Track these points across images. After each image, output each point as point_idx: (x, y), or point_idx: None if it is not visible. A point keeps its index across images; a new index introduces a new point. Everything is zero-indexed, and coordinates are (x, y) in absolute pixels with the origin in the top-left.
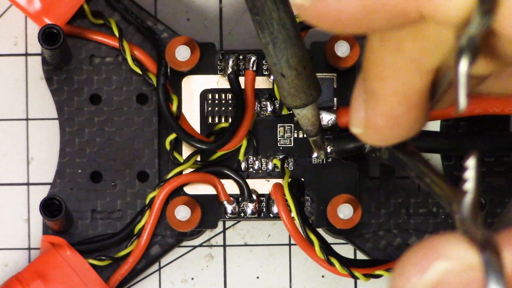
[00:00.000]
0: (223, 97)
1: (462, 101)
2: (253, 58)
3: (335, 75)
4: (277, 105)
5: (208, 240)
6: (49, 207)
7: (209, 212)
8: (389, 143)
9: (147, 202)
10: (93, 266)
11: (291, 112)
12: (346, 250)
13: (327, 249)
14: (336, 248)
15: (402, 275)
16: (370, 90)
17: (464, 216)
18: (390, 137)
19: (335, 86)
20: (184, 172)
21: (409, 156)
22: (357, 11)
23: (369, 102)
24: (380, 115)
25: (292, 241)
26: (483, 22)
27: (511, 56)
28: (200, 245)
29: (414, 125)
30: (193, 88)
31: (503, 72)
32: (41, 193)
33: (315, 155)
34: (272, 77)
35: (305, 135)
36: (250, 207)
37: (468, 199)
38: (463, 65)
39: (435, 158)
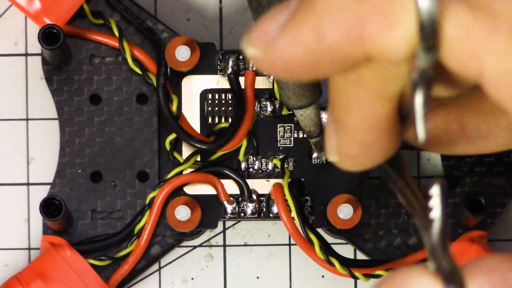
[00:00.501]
0: (223, 97)
1: (421, 133)
2: None
3: None
4: (277, 105)
5: (208, 240)
6: (49, 207)
7: (209, 212)
8: (365, 168)
9: (147, 202)
10: (93, 266)
11: (291, 112)
12: (346, 250)
13: (327, 249)
14: (336, 248)
15: None
16: (339, 121)
17: (433, 245)
18: (365, 163)
19: None
20: (184, 172)
21: (394, 169)
22: (306, 60)
23: (339, 132)
24: (351, 144)
25: (292, 241)
26: (429, 57)
27: (465, 83)
28: (200, 245)
29: (387, 149)
30: (193, 88)
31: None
32: (41, 193)
33: (315, 155)
34: (272, 77)
35: (305, 136)
36: (250, 207)
37: (435, 227)
38: (418, 99)
39: (435, 158)
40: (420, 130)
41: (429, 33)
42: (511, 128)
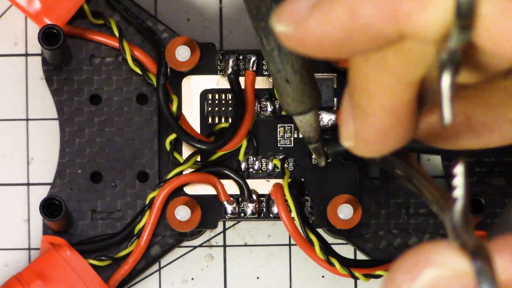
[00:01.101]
0: (223, 97)
1: (447, 115)
2: (253, 58)
3: (335, 75)
4: (277, 105)
5: (208, 240)
6: (49, 207)
7: (209, 212)
8: (380, 154)
9: (147, 202)
10: (93, 266)
11: None
12: (346, 250)
13: (327, 249)
14: (336, 248)
15: (393, 282)
16: (358, 106)
17: (455, 224)
18: (381, 149)
19: (335, 86)
20: (184, 172)
21: (401, 159)
22: (338, 37)
23: (357, 117)
24: (370, 129)
25: (292, 241)
26: (462, 37)
27: (494, 67)
28: (200, 245)
29: (404, 136)
30: (193, 88)
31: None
32: (41, 193)
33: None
34: (270, 79)
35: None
36: (250, 207)
37: (458, 206)
38: (446, 79)
39: (435, 158)
40: (447, 112)
41: (466, 12)
42: None
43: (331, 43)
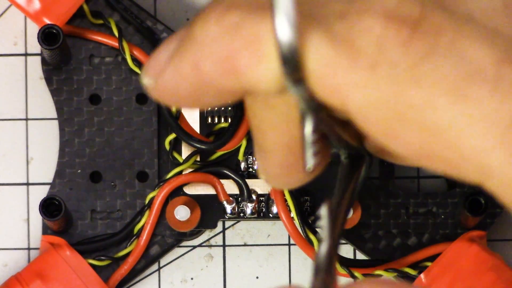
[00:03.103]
0: None
1: (309, 162)
2: None
3: None
4: None
5: (208, 240)
6: (48, 207)
7: (209, 212)
8: (295, 186)
9: (146, 202)
10: (93, 266)
11: None
12: (346, 250)
13: None
14: None
15: None
16: (257, 143)
17: (318, 264)
18: (292, 182)
19: None
20: (183, 172)
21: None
22: (187, 91)
23: (258, 153)
24: (271, 165)
25: (292, 241)
26: (301, 89)
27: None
28: (200, 245)
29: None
30: None
31: None
32: (41, 193)
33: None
34: None
35: None
36: (249, 207)
37: (323, 248)
38: (307, 127)
39: None
40: (308, 159)
41: (293, 67)
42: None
43: (184, 95)
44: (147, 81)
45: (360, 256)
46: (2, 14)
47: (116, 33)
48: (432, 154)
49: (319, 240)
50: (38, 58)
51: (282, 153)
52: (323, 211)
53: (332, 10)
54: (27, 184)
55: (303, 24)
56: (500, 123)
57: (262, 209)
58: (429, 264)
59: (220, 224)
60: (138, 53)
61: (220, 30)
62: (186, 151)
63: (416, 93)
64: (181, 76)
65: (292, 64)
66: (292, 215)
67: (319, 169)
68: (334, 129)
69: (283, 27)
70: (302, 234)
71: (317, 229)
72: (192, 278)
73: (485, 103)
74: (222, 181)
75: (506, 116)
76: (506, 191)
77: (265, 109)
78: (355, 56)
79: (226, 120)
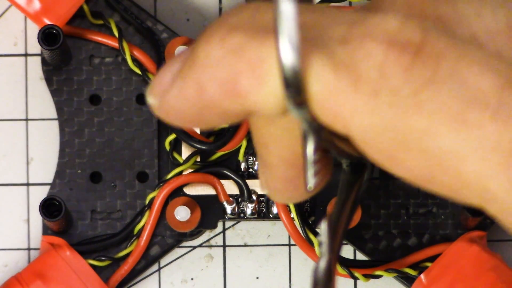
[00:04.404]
0: None
1: (310, 182)
2: None
3: None
4: None
5: (208, 240)
6: (48, 207)
7: (209, 212)
8: (298, 200)
9: (146, 202)
10: (93, 267)
11: None
12: (346, 250)
13: None
14: None
15: None
16: (260, 157)
17: (317, 279)
18: (294, 196)
19: None
20: (184, 173)
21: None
22: (191, 112)
23: (262, 168)
24: (274, 179)
25: (292, 242)
26: (303, 111)
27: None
28: (200, 246)
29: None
30: None
31: None
32: (41, 193)
33: None
34: None
35: None
36: (249, 208)
37: (322, 263)
38: (309, 148)
39: None
40: (310, 179)
41: (295, 91)
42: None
43: (188, 116)
44: (151, 100)
45: (360, 256)
46: (2, 14)
47: (116, 34)
48: (433, 179)
49: (319, 255)
50: (38, 58)
51: (284, 167)
52: (323, 226)
53: (334, 35)
54: (27, 184)
55: (305, 48)
56: (502, 149)
57: (262, 209)
58: (429, 264)
59: (220, 224)
60: (138, 54)
61: (223, 52)
62: (186, 151)
63: (418, 119)
64: (184, 97)
65: (295, 87)
66: (292, 216)
67: (321, 186)
68: (336, 144)
69: (286, 51)
70: (302, 234)
71: (317, 229)
72: (192, 279)
73: (486, 129)
74: (222, 181)
75: (508, 142)
76: (508, 216)
77: (269, 124)
78: (356, 82)
79: None
